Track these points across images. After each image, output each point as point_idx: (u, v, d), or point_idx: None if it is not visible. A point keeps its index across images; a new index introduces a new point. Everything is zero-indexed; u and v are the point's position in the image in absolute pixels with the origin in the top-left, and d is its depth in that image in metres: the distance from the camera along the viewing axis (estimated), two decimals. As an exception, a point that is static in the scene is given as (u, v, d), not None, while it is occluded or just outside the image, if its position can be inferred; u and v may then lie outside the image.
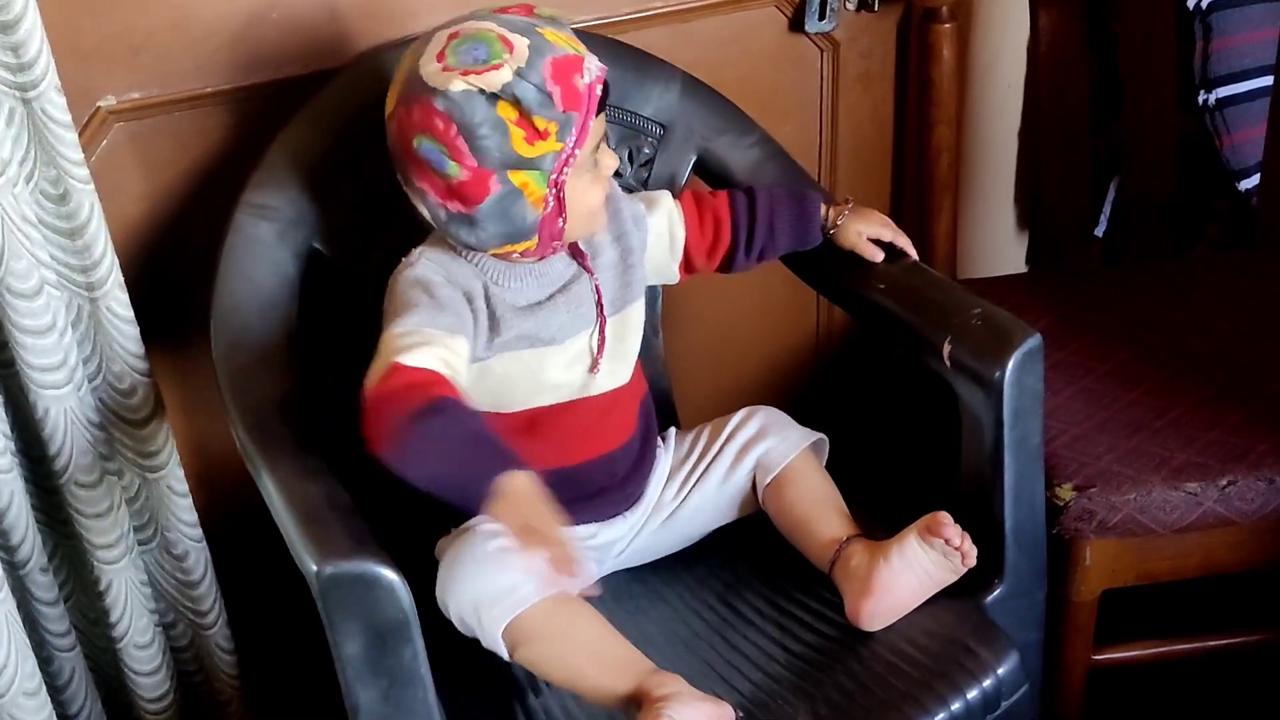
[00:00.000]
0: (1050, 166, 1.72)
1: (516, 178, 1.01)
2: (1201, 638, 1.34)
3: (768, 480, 1.17)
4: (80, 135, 1.12)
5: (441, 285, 1.05)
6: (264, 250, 1.14)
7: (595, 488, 1.14)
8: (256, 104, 1.23)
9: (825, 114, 1.52)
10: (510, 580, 0.99)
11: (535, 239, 1.05)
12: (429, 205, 1.05)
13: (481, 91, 0.98)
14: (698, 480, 1.19)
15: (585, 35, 1.31)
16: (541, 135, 1.00)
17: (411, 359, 0.99)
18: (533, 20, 1.04)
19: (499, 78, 0.98)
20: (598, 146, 1.05)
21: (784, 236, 1.21)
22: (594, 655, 1.00)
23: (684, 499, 1.19)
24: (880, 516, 1.18)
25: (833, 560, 1.11)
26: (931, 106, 1.50)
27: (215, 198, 1.19)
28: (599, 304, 1.12)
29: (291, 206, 1.16)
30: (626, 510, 1.17)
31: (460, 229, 1.04)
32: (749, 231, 1.21)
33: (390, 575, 0.89)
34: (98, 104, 1.18)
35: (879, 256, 1.20)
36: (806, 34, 1.46)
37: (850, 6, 1.45)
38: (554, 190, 1.02)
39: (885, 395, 1.60)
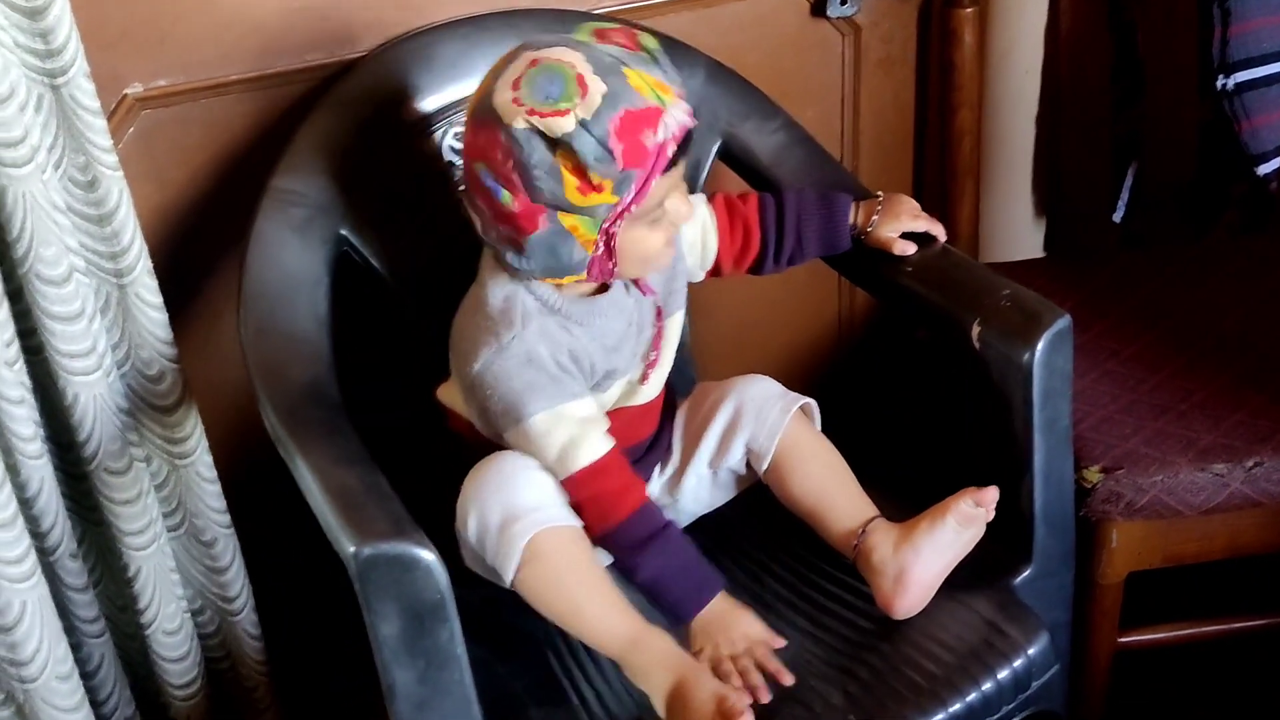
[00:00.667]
0: (1069, 152, 1.71)
1: (567, 220, 0.99)
2: (1227, 620, 1.34)
3: (764, 467, 1.16)
4: (108, 122, 1.12)
5: (547, 358, 1.03)
6: (292, 236, 1.15)
7: None
8: (282, 91, 1.23)
9: (847, 99, 1.52)
10: (540, 497, 1.01)
11: (584, 274, 1.04)
12: (483, 222, 1.04)
13: (542, 134, 0.96)
14: (686, 472, 1.19)
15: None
16: (596, 189, 0.97)
17: (578, 460, 1.02)
18: (626, 55, 0.98)
19: (561, 125, 0.95)
20: (666, 196, 1.02)
21: (812, 244, 1.20)
22: (598, 592, 1.01)
23: (678, 489, 1.20)
24: (903, 498, 1.18)
25: (854, 549, 1.11)
26: (953, 91, 1.50)
27: (242, 184, 1.19)
28: (658, 316, 1.12)
29: (319, 193, 1.16)
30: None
31: (508, 252, 1.03)
32: (778, 239, 1.19)
33: (428, 556, 0.89)
34: (124, 91, 1.18)
35: (910, 250, 1.19)
36: (828, 19, 1.46)
37: (872, -9, 1.46)
38: (604, 237, 1.00)
39: (908, 379, 1.60)
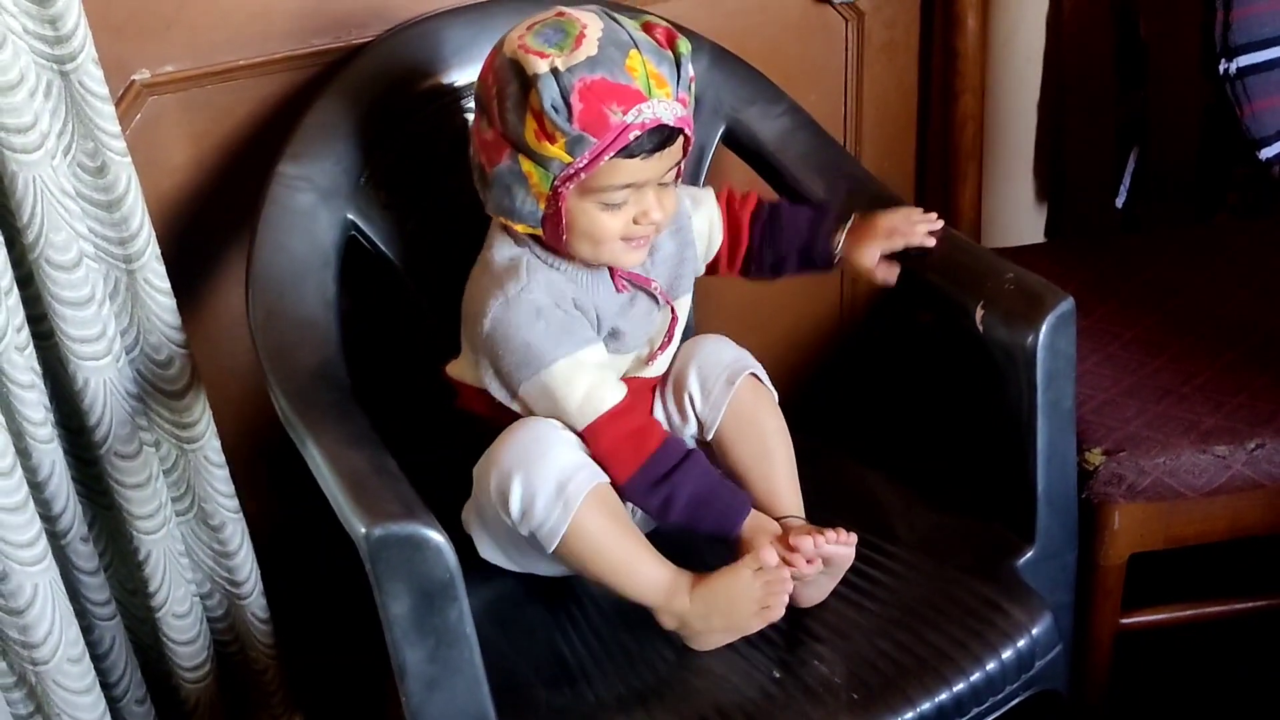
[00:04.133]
0: (1071, 136, 1.72)
1: (524, 163, 1.01)
2: (1229, 601, 1.35)
3: (709, 437, 1.16)
4: (116, 108, 1.12)
5: (554, 307, 1.05)
6: (300, 221, 1.15)
7: None
8: (289, 76, 1.24)
9: (850, 84, 1.53)
10: (580, 456, 1.04)
11: (540, 231, 1.04)
12: (472, 148, 1.06)
13: (521, 69, 0.98)
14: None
15: (615, 8, 1.32)
16: (549, 138, 0.98)
17: (601, 405, 1.04)
18: (648, 45, 0.99)
19: (537, 65, 0.97)
20: (629, 187, 1.01)
21: (792, 260, 1.19)
22: (641, 544, 1.05)
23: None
24: (908, 480, 1.19)
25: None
26: (956, 76, 1.50)
27: (250, 170, 1.20)
28: (665, 302, 1.12)
29: (326, 178, 1.17)
30: None
31: (478, 183, 1.06)
32: (760, 247, 1.19)
33: (437, 537, 0.90)
34: (132, 78, 1.19)
35: (893, 278, 1.17)
36: (831, 4, 1.46)
37: (875, -25, 1.46)
38: (555, 197, 1.01)
39: (910, 361, 1.61)
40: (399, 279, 1.21)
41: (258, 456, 1.33)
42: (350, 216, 1.18)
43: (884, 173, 1.58)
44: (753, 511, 1.08)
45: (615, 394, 1.06)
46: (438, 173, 1.22)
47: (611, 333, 1.09)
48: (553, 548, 1.02)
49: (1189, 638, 1.41)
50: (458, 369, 1.13)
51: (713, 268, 1.22)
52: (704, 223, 1.18)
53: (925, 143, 1.61)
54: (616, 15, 1.02)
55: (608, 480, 1.04)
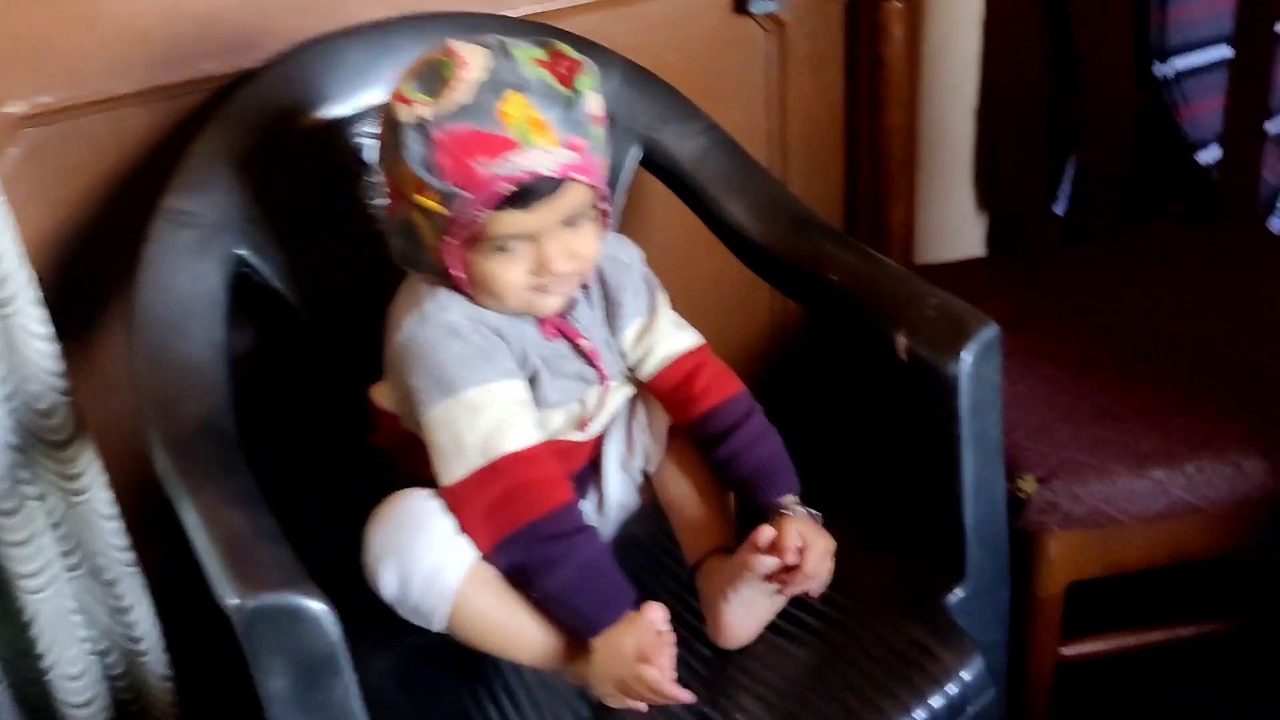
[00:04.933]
0: (1007, 144, 1.68)
1: (414, 214, 0.95)
2: (1171, 627, 1.31)
3: (653, 469, 1.12)
4: (-14, 143, 1.06)
5: (472, 331, 0.97)
6: (185, 259, 1.09)
7: None
8: (176, 104, 1.17)
9: (773, 98, 1.48)
10: (454, 536, 0.95)
11: (445, 282, 0.98)
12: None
13: (395, 118, 0.93)
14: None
15: (522, 25, 1.27)
16: (421, 191, 0.93)
17: (507, 443, 0.95)
18: (539, 83, 0.92)
19: (402, 115, 0.91)
20: (521, 234, 0.94)
21: (732, 479, 1.09)
22: (526, 614, 0.97)
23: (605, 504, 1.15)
24: (834, 510, 1.13)
25: (695, 567, 1.08)
26: (883, 88, 1.45)
27: (134, 205, 1.13)
28: (594, 366, 1.04)
29: (214, 211, 1.10)
30: None
31: (385, 227, 1.00)
32: (716, 440, 1.08)
33: (316, 606, 0.84)
34: (3, 109, 1.12)
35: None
36: (751, 15, 1.41)
37: (795, -14, 1.41)
38: (446, 248, 0.95)
39: (840, 387, 1.56)
40: (296, 318, 1.14)
41: (155, 506, 1.25)
42: (240, 252, 1.11)
43: (813, 189, 1.54)
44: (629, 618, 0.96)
45: (526, 436, 0.97)
46: (336, 202, 1.16)
47: (534, 377, 1.01)
48: (436, 629, 0.96)
49: (1132, 665, 1.37)
50: (379, 392, 1.07)
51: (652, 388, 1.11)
52: (631, 336, 1.08)
53: (855, 157, 1.56)
54: (514, 48, 0.94)
55: (478, 558, 0.97)
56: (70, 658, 1.19)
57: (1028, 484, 1.17)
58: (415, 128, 0.91)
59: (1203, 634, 1.30)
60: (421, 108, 0.91)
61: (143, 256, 1.08)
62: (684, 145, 1.26)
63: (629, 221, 1.33)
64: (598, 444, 1.13)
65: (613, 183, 1.26)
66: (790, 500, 1.06)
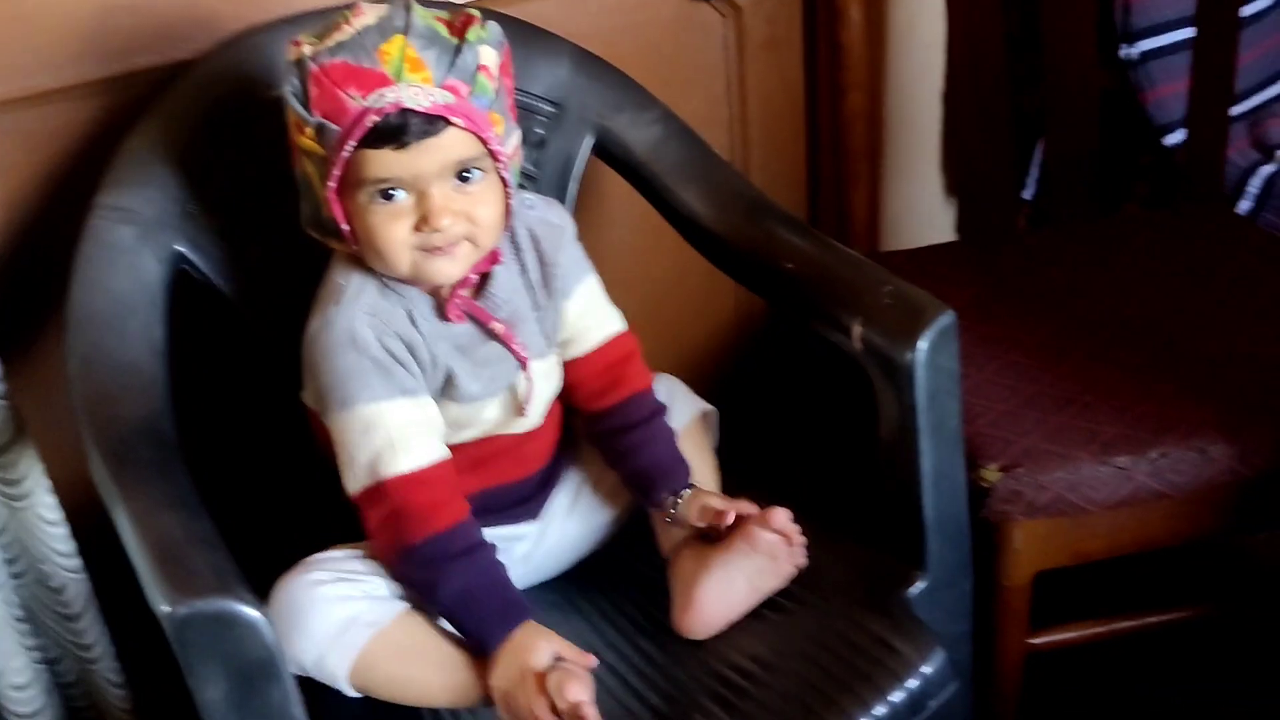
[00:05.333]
0: (973, 129, 1.66)
1: (302, 161, 0.94)
2: (1140, 615, 1.29)
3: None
4: (-87, 142, 1.03)
5: (373, 342, 0.95)
6: (122, 257, 1.06)
7: (505, 509, 1.07)
8: (109, 99, 1.14)
9: (733, 84, 1.45)
10: (342, 616, 0.94)
11: (348, 245, 0.96)
12: None
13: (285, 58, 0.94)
14: (595, 478, 1.12)
15: (465, 9, 1.23)
16: (302, 130, 0.92)
17: (394, 466, 0.93)
18: (430, 31, 0.91)
19: (290, 53, 0.92)
20: (397, 184, 0.91)
21: (623, 472, 1.09)
22: (436, 664, 0.96)
23: (586, 494, 1.12)
24: (795, 502, 1.11)
25: (668, 558, 1.05)
26: (842, 72, 1.43)
27: (69, 202, 1.10)
28: (515, 353, 1.01)
29: (150, 207, 1.07)
30: (529, 519, 1.10)
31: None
32: (607, 433, 1.08)
33: (250, 612, 0.82)
34: (-69, 106, 1.09)
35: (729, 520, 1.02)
36: (706, 0, 1.38)
37: (750, -31, 1.38)
38: (332, 198, 0.93)
39: (806, 377, 1.54)
40: (237, 314, 1.12)
41: (101, 510, 1.23)
42: (179, 248, 1.09)
43: (775, 176, 1.51)
44: (532, 624, 0.96)
45: (417, 458, 0.94)
46: (275, 197, 1.12)
47: (449, 378, 0.98)
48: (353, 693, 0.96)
49: (1101, 654, 1.35)
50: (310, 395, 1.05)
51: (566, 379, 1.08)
52: (577, 306, 1.06)
53: (817, 143, 1.53)
54: (419, 9, 0.93)
55: (387, 618, 0.95)
56: (16, 667, 1.16)
57: (991, 473, 1.15)
58: (296, 64, 0.91)
59: (1171, 621, 1.28)
60: (306, 47, 0.91)
61: (78, 255, 1.05)
62: (638, 134, 1.24)
63: (585, 214, 1.30)
64: (554, 437, 1.10)
65: (565, 173, 1.24)
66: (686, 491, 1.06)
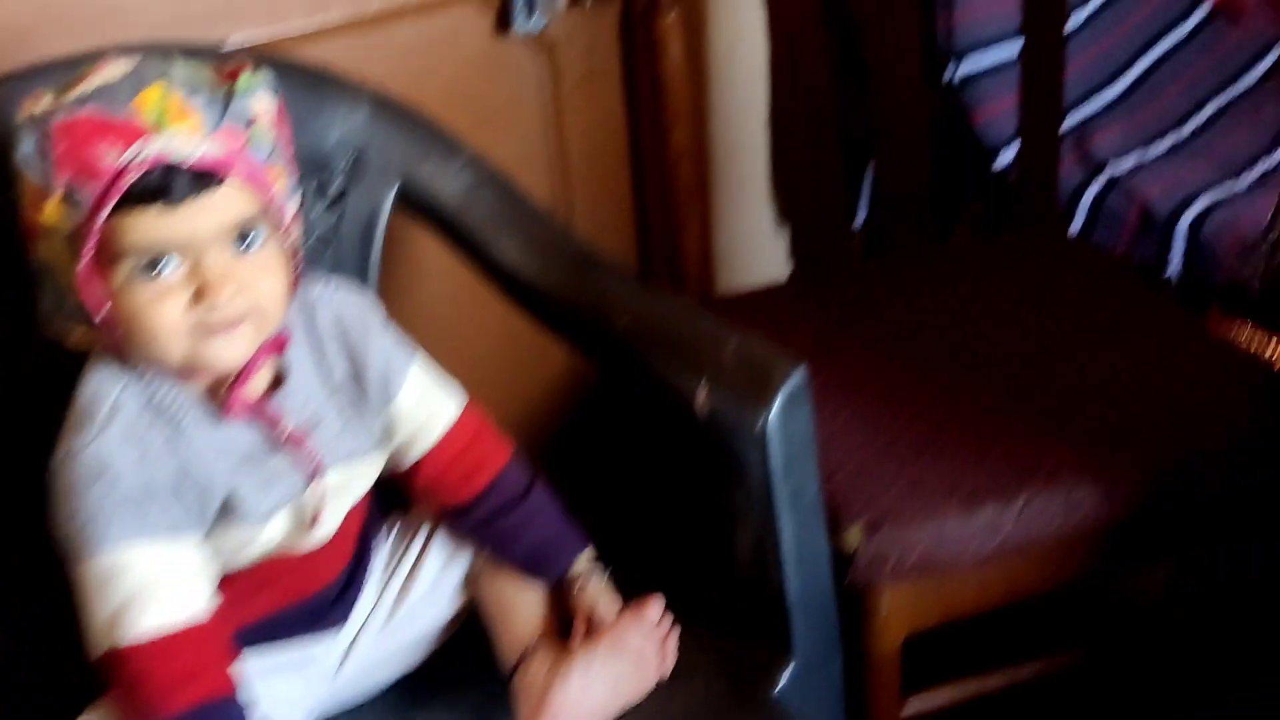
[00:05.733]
0: (802, 156, 1.60)
1: (40, 247, 0.79)
2: (1010, 669, 1.22)
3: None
4: None
5: (129, 474, 0.79)
6: None
7: (299, 624, 0.93)
8: None
9: (550, 124, 1.35)
10: None
11: (103, 338, 0.81)
12: None
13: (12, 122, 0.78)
14: (412, 572, 0.99)
15: (211, 57, 1.10)
16: (40, 203, 0.77)
17: (136, 626, 0.78)
18: (184, 80, 0.78)
19: (20, 114, 0.77)
20: (165, 246, 0.77)
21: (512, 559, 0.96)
22: None
23: (405, 594, 0.98)
24: (636, 586, 1.00)
25: (515, 666, 0.92)
26: (665, 107, 1.35)
27: None
28: (307, 459, 0.87)
29: None
30: (331, 629, 0.96)
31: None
32: (481, 523, 0.95)
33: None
34: None
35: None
36: (516, 36, 1.28)
37: (559, 5, 1.28)
38: (83, 287, 0.78)
39: (647, 442, 1.43)
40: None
41: None
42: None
43: (600, 218, 1.42)
44: None
45: (164, 614, 0.79)
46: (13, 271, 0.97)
47: (228, 500, 0.84)
48: None
49: (976, 714, 1.28)
50: None
51: (411, 474, 0.95)
52: (409, 401, 0.92)
53: (643, 182, 1.44)
54: (176, 60, 0.79)
55: None
56: None
57: (853, 535, 1.07)
58: (30, 123, 0.76)
59: (1042, 672, 1.23)
60: (45, 102, 0.77)
61: None
62: (446, 183, 1.12)
63: (396, 274, 1.18)
64: (355, 532, 0.97)
65: (370, 230, 1.11)
66: (584, 564, 0.95)
